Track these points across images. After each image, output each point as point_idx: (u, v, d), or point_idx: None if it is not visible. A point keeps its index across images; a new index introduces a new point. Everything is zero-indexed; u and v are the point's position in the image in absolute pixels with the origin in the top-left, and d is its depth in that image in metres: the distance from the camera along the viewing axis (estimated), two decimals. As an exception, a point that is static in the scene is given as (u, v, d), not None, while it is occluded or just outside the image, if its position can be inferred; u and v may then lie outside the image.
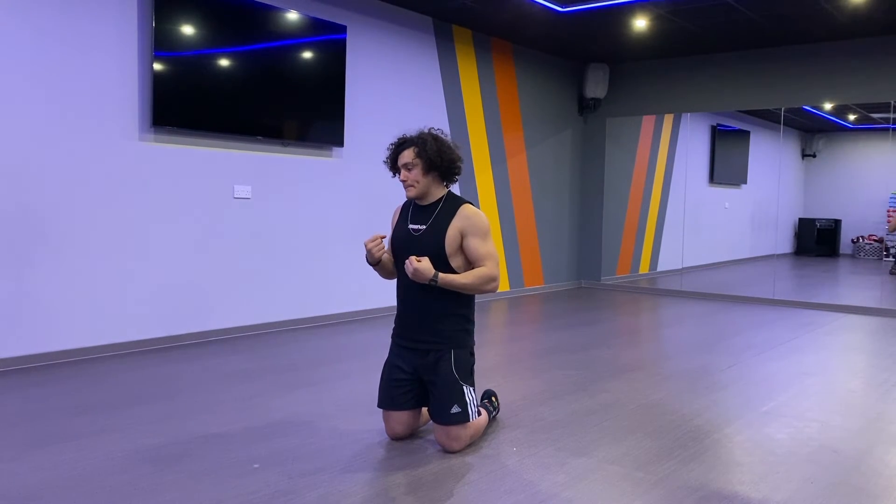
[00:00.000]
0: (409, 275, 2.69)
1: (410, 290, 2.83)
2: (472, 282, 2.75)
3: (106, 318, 4.37)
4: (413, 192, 2.83)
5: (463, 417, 2.76)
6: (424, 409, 3.00)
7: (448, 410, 2.75)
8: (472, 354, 2.90)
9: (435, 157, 2.79)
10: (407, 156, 2.80)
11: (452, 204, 2.84)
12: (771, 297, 7.27)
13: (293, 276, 5.40)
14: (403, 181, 2.82)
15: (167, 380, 3.81)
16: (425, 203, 2.87)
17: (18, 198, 3.98)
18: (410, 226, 2.86)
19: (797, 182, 9.26)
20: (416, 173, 2.80)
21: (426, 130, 2.86)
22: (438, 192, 2.86)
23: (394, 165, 2.89)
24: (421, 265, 2.67)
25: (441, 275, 2.71)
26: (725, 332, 5.58)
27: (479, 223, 2.80)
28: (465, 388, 2.80)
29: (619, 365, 4.35)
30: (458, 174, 2.89)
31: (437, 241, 2.77)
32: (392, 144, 2.90)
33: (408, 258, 2.71)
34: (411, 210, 2.91)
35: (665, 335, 5.42)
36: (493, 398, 3.21)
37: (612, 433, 3.06)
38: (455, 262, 2.79)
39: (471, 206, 2.84)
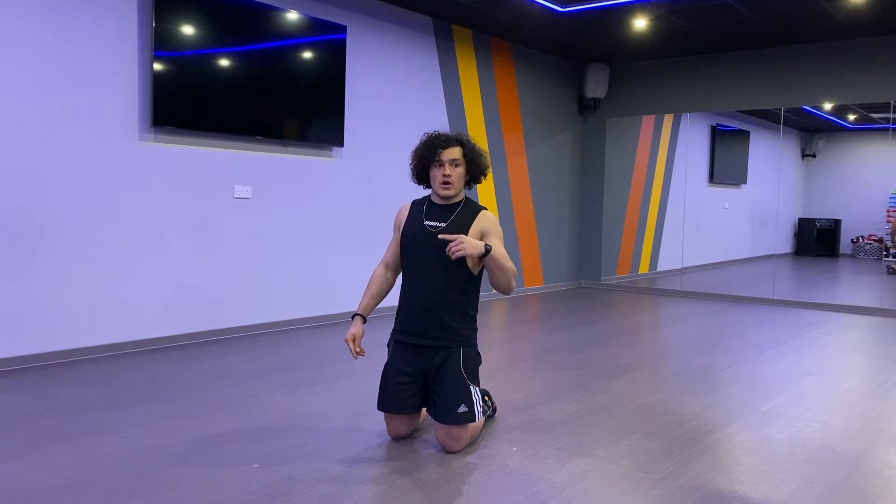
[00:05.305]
0: (455, 252, 2.54)
1: (423, 287, 2.83)
2: (509, 268, 2.72)
3: (106, 318, 4.37)
4: (450, 191, 2.84)
5: (469, 417, 2.76)
6: (423, 409, 3.01)
7: (455, 409, 2.75)
8: (479, 354, 2.92)
9: (477, 159, 2.88)
10: (456, 153, 2.83)
11: (472, 207, 2.90)
12: (771, 297, 7.27)
13: (293, 276, 5.40)
14: (446, 176, 2.81)
15: (167, 380, 3.81)
16: (445, 203, 2.90)
17: (18, 198, 3.98)
18: (427, 223, 2.87)
19: (797, 182, 9.26)
20: (461, 172, 2.85)
21: (455, 133, 2.94)
22: (460, 195, 2.92)
23: (429, 157, 2.83)
24: (469, 239, 2.58)
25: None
26: (725, 332, 5.58)
27: (499, 228, 2.89)
28: (471, 387, 2.81)
29: (619, 365, 4.35)
30: (481, 182, 2.98)
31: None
32: (428, 138, 2.87)
33: (448, 244, 2.60)
34: (426, 209, 2.92)
35: (665, 335, 5.42)
36: (487, 398, 3.20)
37: (612, 433, 3.07)
38: (470, 261, 2.81)
39: (490, 212, 2.93)
